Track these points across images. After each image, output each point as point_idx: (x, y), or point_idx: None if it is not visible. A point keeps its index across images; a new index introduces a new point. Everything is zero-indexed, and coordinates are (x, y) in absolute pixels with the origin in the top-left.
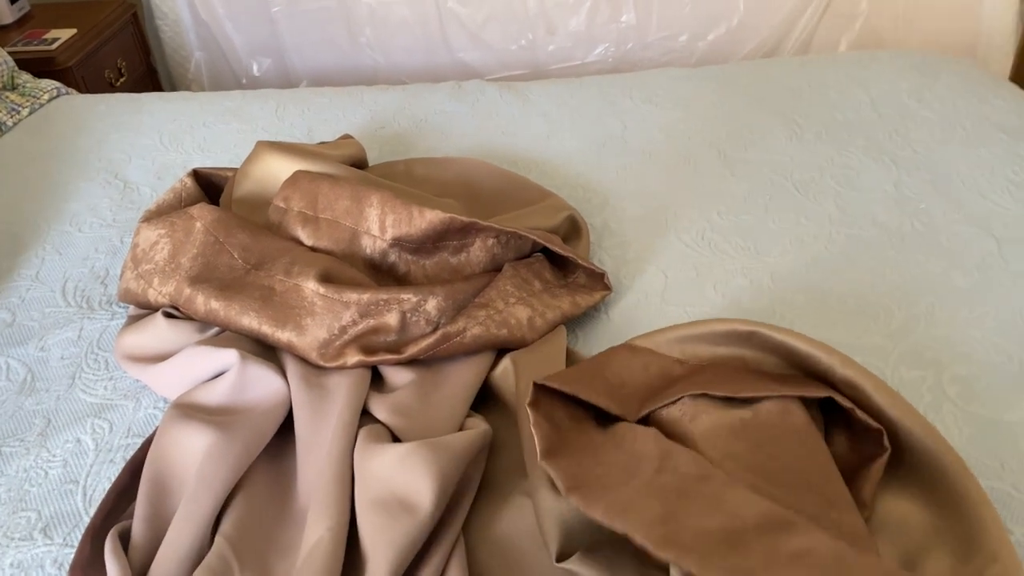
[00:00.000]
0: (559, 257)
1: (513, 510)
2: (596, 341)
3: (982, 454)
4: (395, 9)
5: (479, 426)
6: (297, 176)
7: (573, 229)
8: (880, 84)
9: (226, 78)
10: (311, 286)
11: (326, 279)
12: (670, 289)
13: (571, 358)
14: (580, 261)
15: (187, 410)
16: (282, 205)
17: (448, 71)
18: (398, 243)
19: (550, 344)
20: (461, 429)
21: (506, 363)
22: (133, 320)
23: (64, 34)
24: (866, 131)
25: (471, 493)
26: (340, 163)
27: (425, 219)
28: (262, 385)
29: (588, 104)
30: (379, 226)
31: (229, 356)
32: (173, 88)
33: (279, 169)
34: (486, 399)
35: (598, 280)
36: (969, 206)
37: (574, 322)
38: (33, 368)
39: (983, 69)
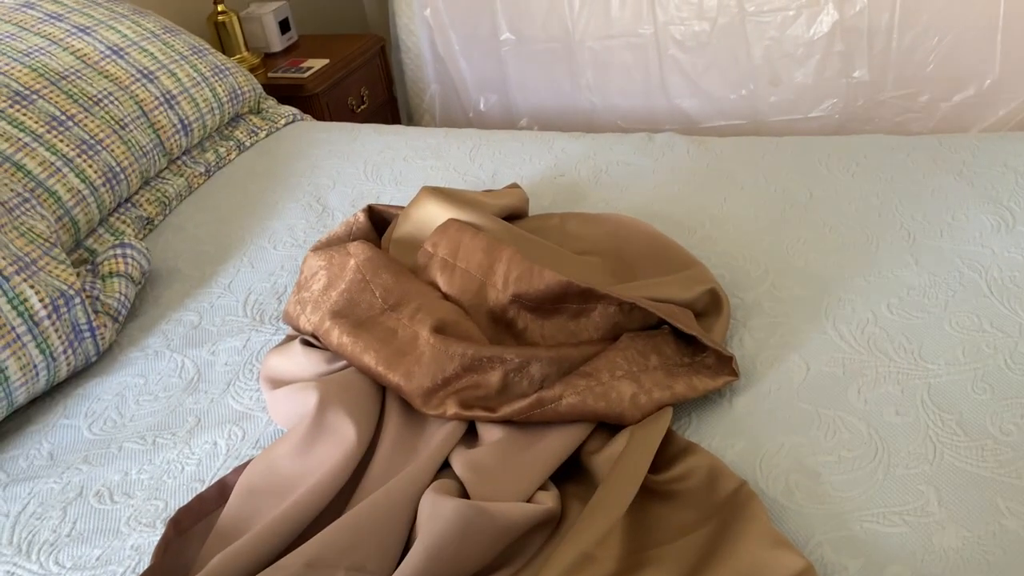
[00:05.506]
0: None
1: None
2: (710, 429)
3: None
4: (617, 54)
5: (546, 503)
6: (448, 224)
7: (713, 304)
8: None
9: (455, 111)
10: (424, 334)
11: (439, 330)
12: (807, 385)
13: (672, 443)
14: (705, 341)
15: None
16: (430, 250)
17: (664, 117)
18: (518, 299)
19: (646, 430)
20: (530, 500)
21: (611, 448)
22: (284, 342)
23: (317, 63)
24: None
25: (515, 566)
26: (495, 214)
27: (543, 280)
28: (332, 440)
29: (779, 167)
30: (503, 281)
31: (311, 399)
32: (409, 117)
33: (436, 215)
34: (581, 473)
35: (726, 363)
36: None
37: (691, 404)
38: (202, 370)
39: None
